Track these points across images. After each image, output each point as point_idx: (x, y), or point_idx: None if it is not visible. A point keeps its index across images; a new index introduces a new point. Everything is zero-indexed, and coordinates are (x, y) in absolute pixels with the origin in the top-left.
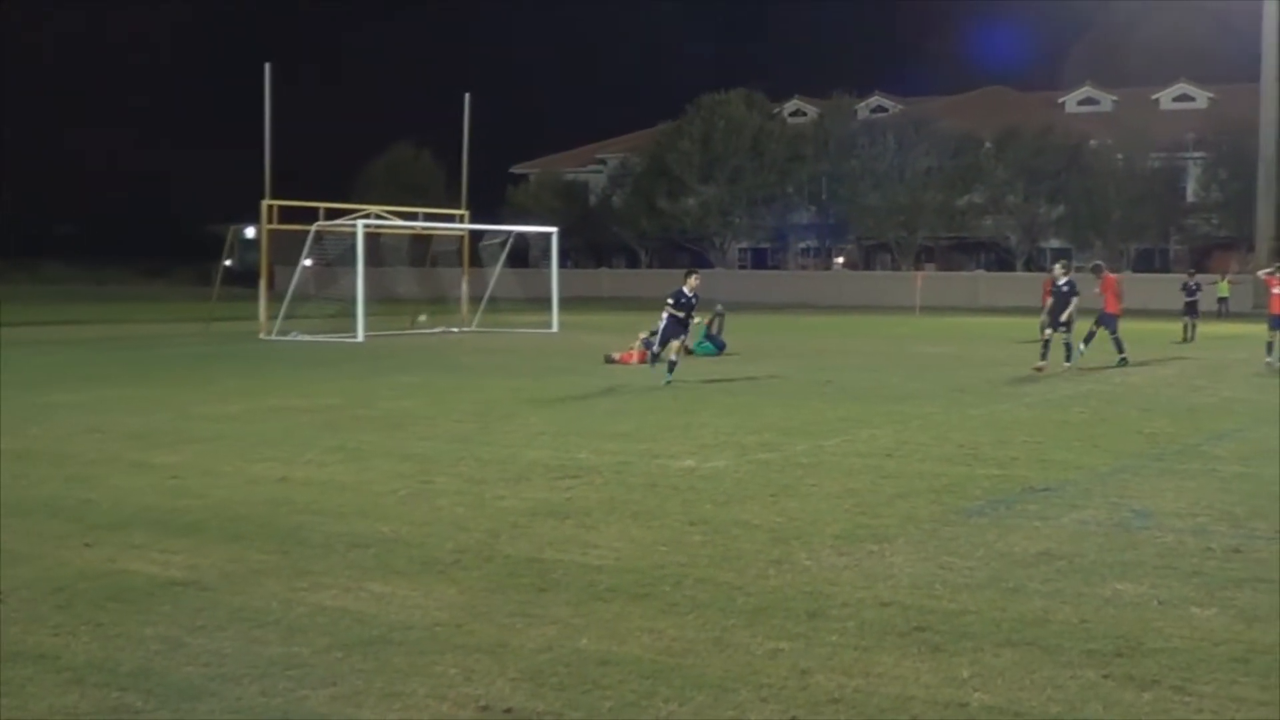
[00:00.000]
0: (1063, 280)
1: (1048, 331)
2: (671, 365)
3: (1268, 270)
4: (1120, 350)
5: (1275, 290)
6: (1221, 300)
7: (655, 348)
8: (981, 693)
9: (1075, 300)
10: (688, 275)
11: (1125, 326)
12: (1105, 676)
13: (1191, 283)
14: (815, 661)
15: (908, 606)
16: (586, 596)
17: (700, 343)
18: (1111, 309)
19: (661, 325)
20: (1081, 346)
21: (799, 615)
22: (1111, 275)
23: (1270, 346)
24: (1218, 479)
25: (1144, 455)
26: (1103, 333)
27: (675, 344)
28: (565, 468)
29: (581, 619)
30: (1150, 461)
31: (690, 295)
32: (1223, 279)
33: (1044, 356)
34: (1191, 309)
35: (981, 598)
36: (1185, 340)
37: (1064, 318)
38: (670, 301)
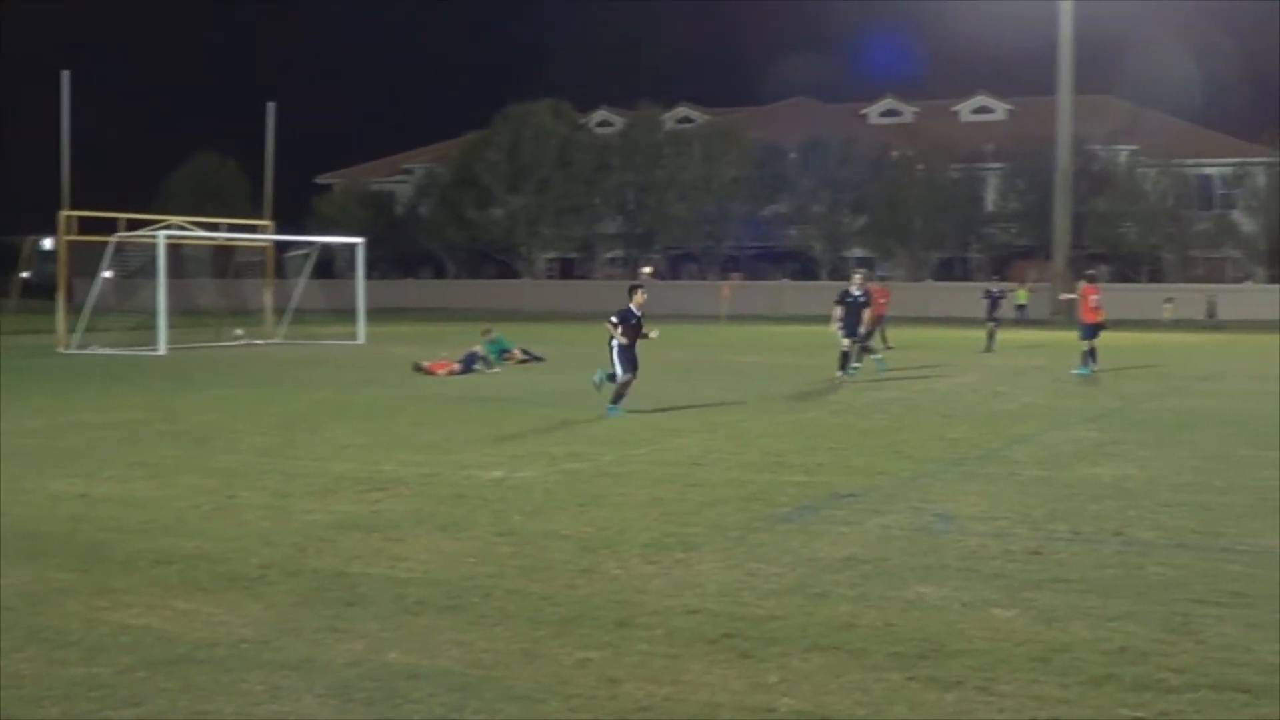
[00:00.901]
0: (858, 291)
1: (845, 342)
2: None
3: (1083, 280)
4: (1086, 362)
5: (1091, 300)
6: (1020, 308)
7: (619, 379)
8: (789, 697)
9: (867, 311)
10: (633, 291)
11: (933, 335)
12: (910, 678)
13: (994, 290)
14: (624, 670)
15: (716, 613)
16: (395, 610)
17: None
18: (1089, 319)
19: (615, 355)
20: (1093, 365)
21: (608, 624)
22: (1090, 286)
23: (1086, 355)
24: (1017, 483)
25: (946, 460)
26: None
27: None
28: (372, 480)
29: (390, 632)
30: (952, 466)
31: (638, 313)
32: (1022, 287)
33: (842, 367)
34: (994, 316)
35: (789, 603)
36: (987, 349)
37: (862, 329)
38: (615, 321)
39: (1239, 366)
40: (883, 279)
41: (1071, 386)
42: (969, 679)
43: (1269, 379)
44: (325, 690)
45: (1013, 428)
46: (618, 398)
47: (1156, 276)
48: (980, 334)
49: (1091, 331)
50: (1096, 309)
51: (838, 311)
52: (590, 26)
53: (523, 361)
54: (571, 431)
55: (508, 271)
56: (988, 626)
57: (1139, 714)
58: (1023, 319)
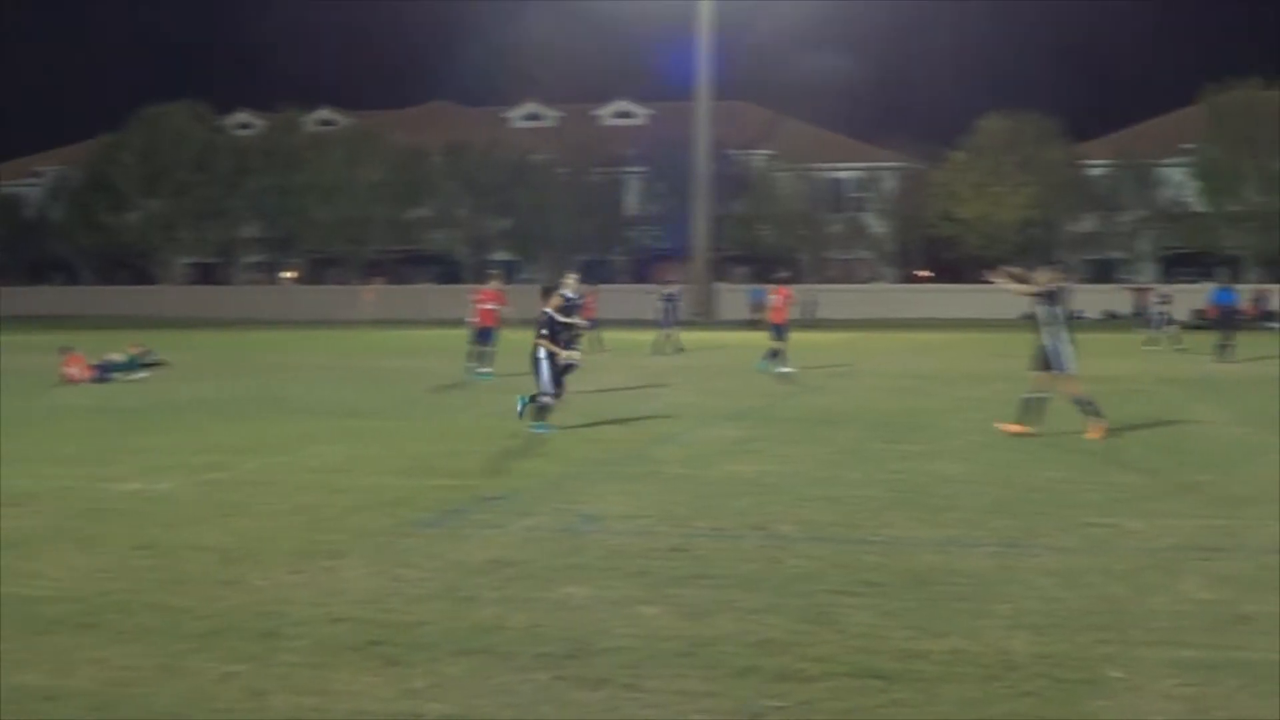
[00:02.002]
0: (573, 294)
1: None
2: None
3: (775, 281)
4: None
5: (780, 301)
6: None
7: (550, 395)
8: (437, 702)
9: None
10: (549, 294)
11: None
12: (558, 678)
13: (670, 293)
14: (270, 682)
15: (362, 621)
16: (29, 630)
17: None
18: (777, 319)
19: (544, 369)
20: (782, 363)
21: (252, 636)
22: (783, 288)
23: (775, 354)
24: (661, 481)
25: (591, 461)
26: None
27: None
28: (4, 496)
29: (25, 653)
30: (597, 467)
31: (561, 319)
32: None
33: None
34: (670, 318)
35: (436, 608)
36: (676, 349)
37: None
38: (547, 334)
39: (872, 363)
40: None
41: (716, 385)
42: (616, 676)
43: (899, 375)
44: None
45: (657, 427)
46: (542, 412)
47: (795, 278)
48: (648, 337)
49: (781, 331)
50: (783, 309)
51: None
52: (228, 27)
53: (151, 365)
54: (211, 441)
55: (144, 277)
56: (633, 624)
57: (781, 704)
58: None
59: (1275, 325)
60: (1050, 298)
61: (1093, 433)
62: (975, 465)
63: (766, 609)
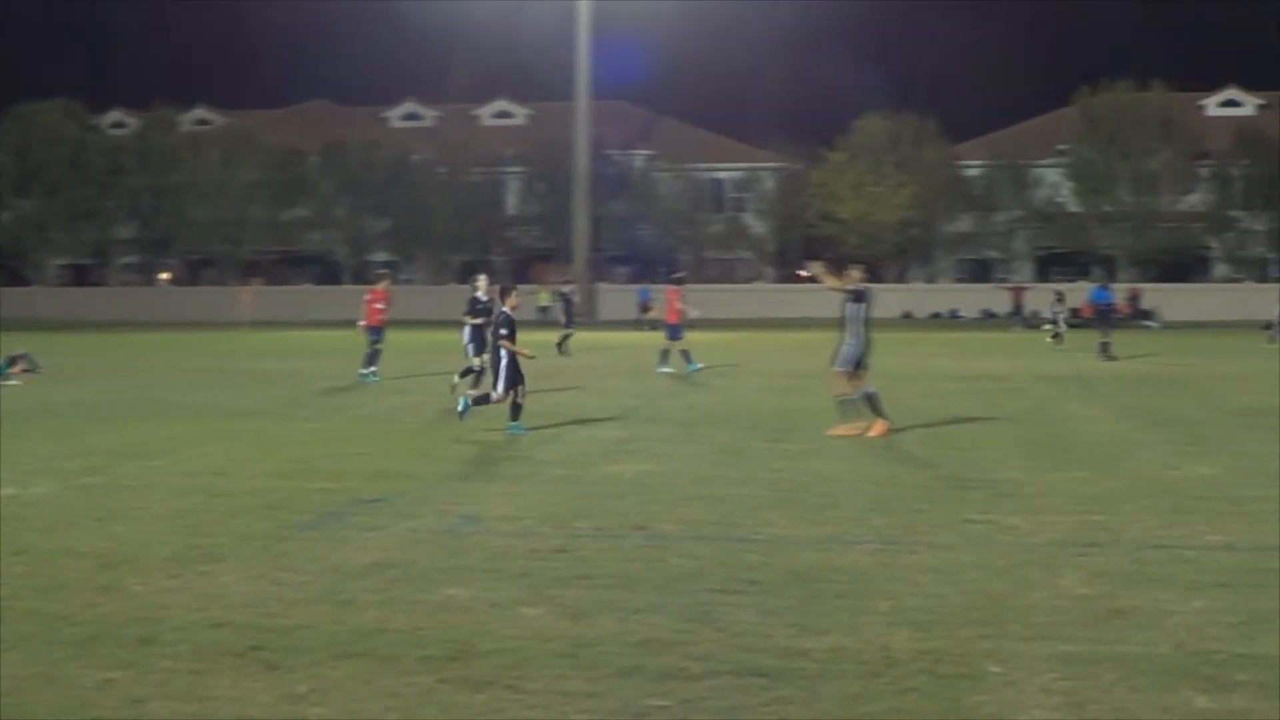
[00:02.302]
0: (485, 296)
1: (476, 360)
2: (516, 409)
3: (671, 282)
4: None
5: (678, 303)
6: (543, 309)
7: (498, 396)
8: (319, 707)
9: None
10: (507, 294)
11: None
12: (441, 681)
13: (566, 291)
14: (149, 689)
15: (242, 625)
16: None
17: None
18: (673, 319)
19: (503, 368)
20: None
21: (130, 643)
22: (675, 289)
23: (666, 354)
24: (542, 482)
25: (472, 462)
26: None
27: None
28: None
29: None
30: (479, 468)
31: (485, 299)
32: (544, 289)
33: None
34: (569, 317)
35: (317, 612)
36: (564, 351)
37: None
38: (506, 334)
39: (753, 363)
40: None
41: (598, 385)
42: (499, 678)
43: (779, 374)
44: None
45: (539, 428)
46: (516, 412)
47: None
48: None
49: (676, 331)
50: (680, 310)
51: (470, 324)
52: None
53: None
54: (87, 445)
55: (17, 279)
56: (516, 625)
57: (664, 703)
58: (546, 320)
59: (1151, 324)
60: (858, 296)
61: (873, 430)
62: (855, 463)
63: (649, 608)
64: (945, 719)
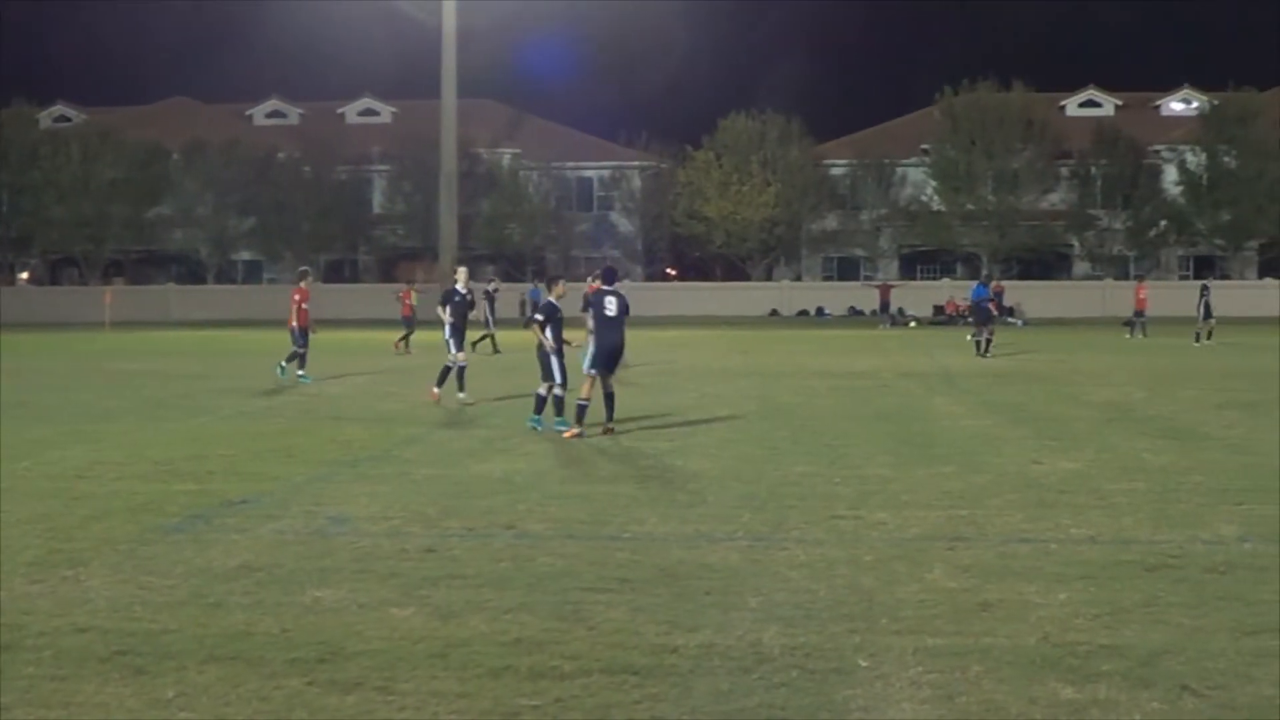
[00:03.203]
0: (464, 289)
1: (458, 355)
2: (581, 409)
3: (591, 280)
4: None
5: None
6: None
7: (558, 388)
8: (187, 712)
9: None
10: (553, 283)
11: (326, 337)
12: (310, 683)
13: (489, 289)
14: (11, 697)
15: (107, 630)
16: None
17: None
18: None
19: (551, 358)
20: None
21: None
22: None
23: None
24: (410, 482)
25: (339, 463)
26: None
27: (587, 378)
28: None
29: None
30: (345, 469)
31: (464, 291)
32: (410, 288)
33: (461, 387)
34: (494, 317)
35: (183, 615)
36: (494, 351)
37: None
38: (539, 318)
39: None
40: (411, 283)
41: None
42: (369, 679)
43: (646, 372)
44: None
45: (405, 428)
46: (561, 405)
47: (541, 276)
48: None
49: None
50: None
51: (446, 315)
52: None
53: None
54: None
55: None
56: (385, 626)
57: (536, 702)
58: (412, 320)
59: (1014, 321)
60: (447, 295)
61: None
62: (723, 461)
63: (519, 608)
64: (816, 714)
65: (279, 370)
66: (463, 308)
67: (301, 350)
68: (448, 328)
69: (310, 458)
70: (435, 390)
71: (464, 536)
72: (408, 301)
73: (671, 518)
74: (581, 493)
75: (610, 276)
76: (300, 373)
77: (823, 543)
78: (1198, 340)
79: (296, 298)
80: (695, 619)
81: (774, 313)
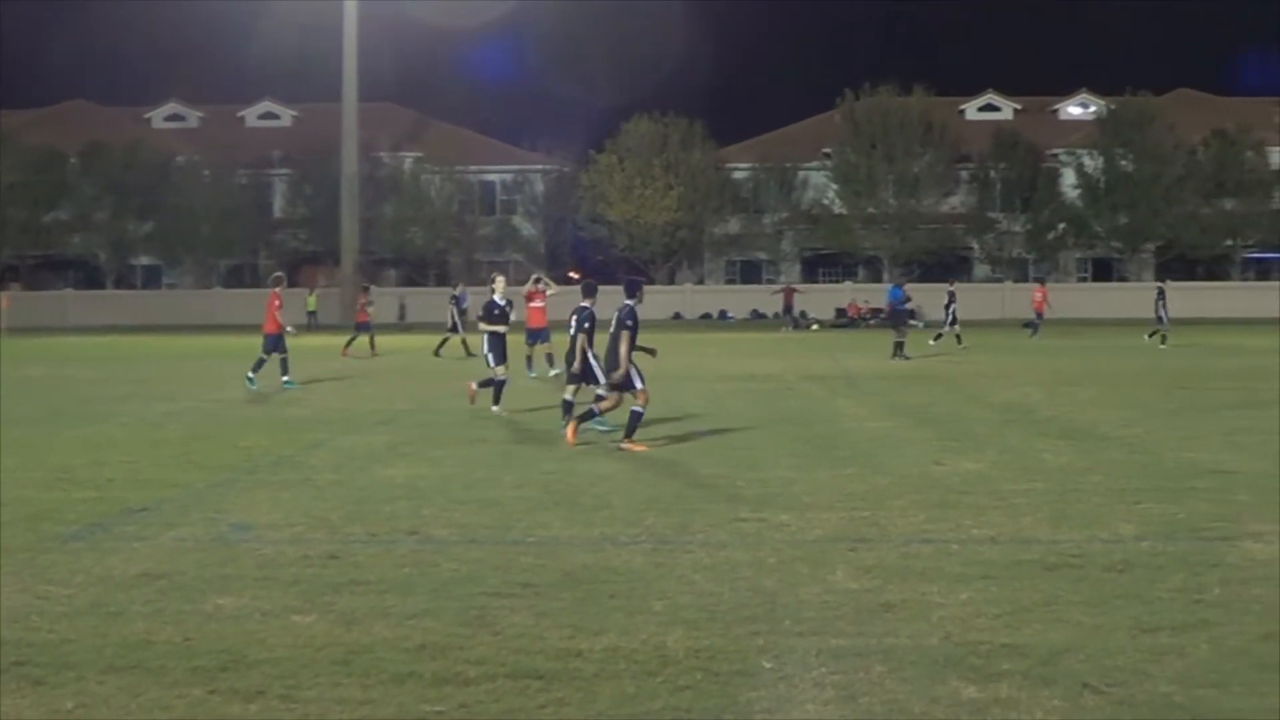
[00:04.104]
0: (503, 300)
1: (499, 369)
2: (575, 410)
3: (530, 283)
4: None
5: (534, 304)
6: (311, 314)
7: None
8: None
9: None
10: (590, 292)
11: (223, 343)
12: (211, 692)
13: (456, 294)
14: None
15: (4, 641)
16: None
17: None
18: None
19: (591, 364)
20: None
21: None
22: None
23: (529, 361)
24: (313, 488)
25: (240, 469)
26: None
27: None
28: None
29: None
30: (246, 475)
31: (503, 302)
32: (311, 293)
33: (496, 400)
34: (462, 321)
35: (83, 625)
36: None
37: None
38: (586, 327)
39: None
40: (366, 288)
41: (365, 390)
42: (271, 687)
43: (551, 377)
44: None
45: (307, 433)
46: (570, 410)
47: (443, 279)
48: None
49: (537, 335)
50: (541, 310)
51: (487, 330)
52: None
53: None
54: None
55: None
56: (288, 633)
57: (440, 708)
58: (313, 325)
59: (914, 323)
60: (487, 309)
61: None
62: (627, 464)
63: (423, 613)
64: (720, 716)
65: (249, 381)
66: (503, 320)
67: (282, 355)
68: (486, 339)
69: (212, 464)
70: (495, 408)
71: (367, 542)
72: (364, 304)
73: (576, 522)
74: (486, 497)
75: (633, 288)
76: (285, 378)
77: (726, 545)
78: (1164, 341)
79: (276, 304)
80: (600, 623)
81: (677, 316)
